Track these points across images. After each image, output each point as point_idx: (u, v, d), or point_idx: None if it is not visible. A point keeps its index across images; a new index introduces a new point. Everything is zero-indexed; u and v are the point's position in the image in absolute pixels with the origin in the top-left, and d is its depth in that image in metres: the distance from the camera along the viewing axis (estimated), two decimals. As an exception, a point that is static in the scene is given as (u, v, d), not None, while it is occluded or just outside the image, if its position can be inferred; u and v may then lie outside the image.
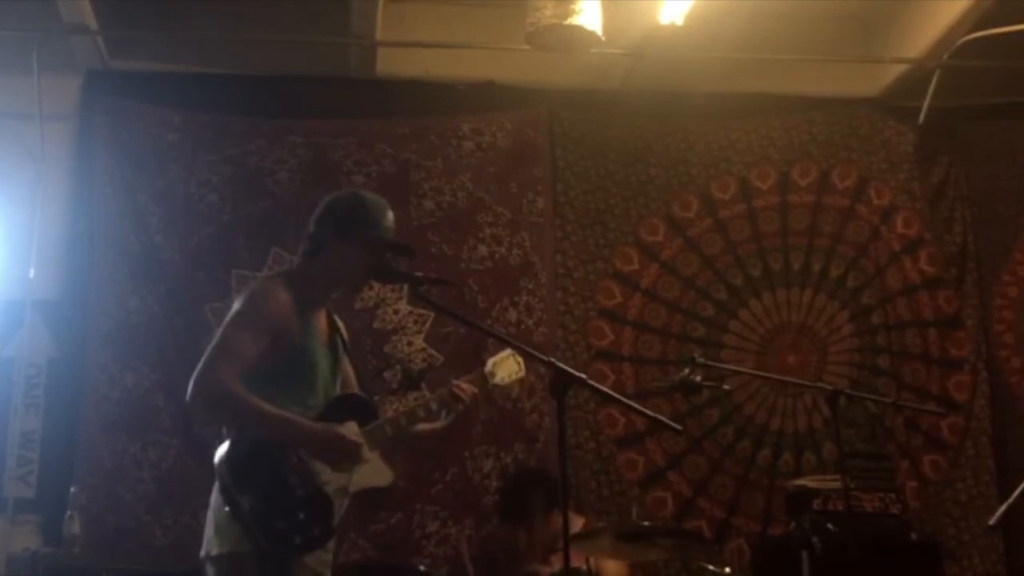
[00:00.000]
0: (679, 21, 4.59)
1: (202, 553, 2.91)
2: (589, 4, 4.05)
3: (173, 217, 5.08)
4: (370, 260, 3.09)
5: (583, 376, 2.62)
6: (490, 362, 3.48)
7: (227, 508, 2.82)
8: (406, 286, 3.89)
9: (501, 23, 5.11)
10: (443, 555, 4.96)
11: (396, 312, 5.20)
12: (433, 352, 5.17)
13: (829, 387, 3.92)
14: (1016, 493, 2.54)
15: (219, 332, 2.93)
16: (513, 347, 3.52)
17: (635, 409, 2.85)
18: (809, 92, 5.66)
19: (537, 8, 4.07)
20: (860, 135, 5.67)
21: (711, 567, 3.96)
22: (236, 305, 2.98)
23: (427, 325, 5.19)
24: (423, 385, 4.78)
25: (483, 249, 5.32)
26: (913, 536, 4.60)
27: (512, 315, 5.25)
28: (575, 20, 4.02)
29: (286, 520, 2.84)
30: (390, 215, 3.14)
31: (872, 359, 5.46)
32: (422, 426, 3.24)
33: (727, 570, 3.98)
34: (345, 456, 2.96)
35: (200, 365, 2.85)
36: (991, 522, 3.00)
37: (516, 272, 5.32)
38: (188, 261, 5.06)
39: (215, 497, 2.90)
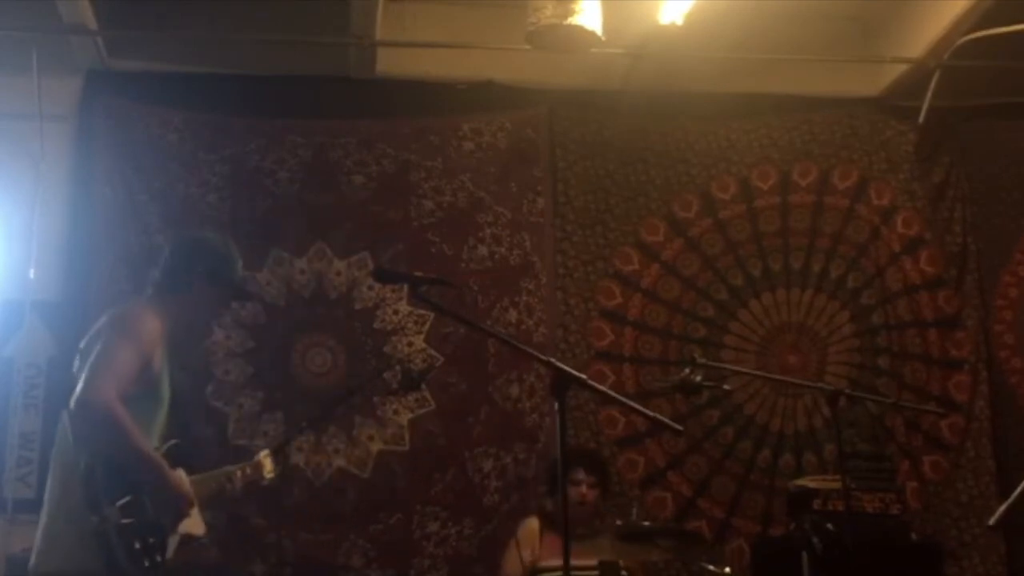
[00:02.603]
0: (679, 21, 4.59)
1: (33, 564, 2.94)
2: (589, 4, 4.04)
3: (173, 217, 5.08)
4: (219, 303, 3.44)
5: (583, 376, 2.61)
6: (261, 454, 3.74)
7: (94, 518, 2.83)
8: (406, 286, 3.90)
9: (501, 23, 5.10)
10: (443, 555, 4.96)
11: (396, 312, 5.20)
12: (433, 352, 5.17)
13: (829, 387, 3.92)
14: (1016, 493, 2.54)
15: (102, 345, 2.98)
16: (513, 347, 3.57)
17: (635, 409, 2.85)
18: (809, 92, 5.66)
19: (537, 8, 4.07)
20: (860, 135, 5.67)
21: (711, 567, 3.95)
22: (115, 323, 3.06)
23: (427, 325, 5.19)
24: (423, 385, 4.79)
25: (483, 249, 5.32)
26: (913, 536, 4.60)
27: (512, 315, 5.25)
28: (575, 20, 4.01)
29: (141, 541, 2.91)
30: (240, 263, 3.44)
31: (872, 359, 5.45)
32: None
33: (727, 570, 3.97)
34: (182, 511, 3.11)
35: (88, 379, 2.89)
36: (991, 522, 3.00)
37: (516, 272, 5.32)
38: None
39: (66, 507, 2.91)
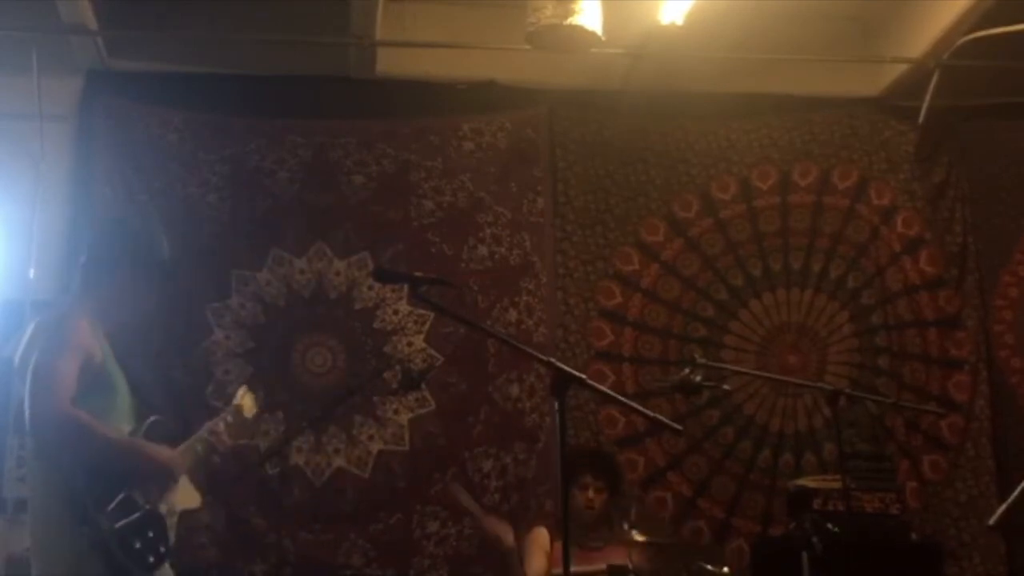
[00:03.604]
0: (679, 21, 4.59)
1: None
2: (589, 4, 4.04)
3: (173, 217, 5.07)
4: (148, 287, 3.28)
5: (583, 376, 2.61)
6: (238, 394, 3.64)
7: (84, 528, 2.83)
8: (406, 286, 3.90)
9: (501, 23, 5.10)
10: (443, 555, 4.96)
11: (396, 312, 5.20)
12: (433, 352, 5.17)
13: (829, 387, 3.92)
14: (1016, 493, 2.53)
15: (36, 360, 2.94)
16: (513, 347, 3.54)
17: (635, 409, 2.85)
18: (809, 92, 5.66)
19: (537, 8, 4.07)
20: (860, 135, 5.66)
21: (711, 567, 3.95)
22: (42, 334, 3.03)
23: (427, 325, 5.19)
24: (423, 385, 4.78)
25: (483, 249, 5.32)
26: (913, 536, 4.60)
27: (512, 315, 5.25)
28: (575, 20, 4.01)
29: (140, 539, 2.90)
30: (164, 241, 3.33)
31: (872, 359, 5.46)
32: None
33: (727, 570, 3.97)
34: (169, 476, 3.08)
35: (33, 399, 2.87)
36: (991, 522, 3.00)
37: (516, 272, 5.32)
38: (188, 261, 5.06)
39: (56, 522, 2.89)
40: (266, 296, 5.14)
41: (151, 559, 2.92)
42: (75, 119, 5.17)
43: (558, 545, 4.26)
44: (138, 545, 2.89)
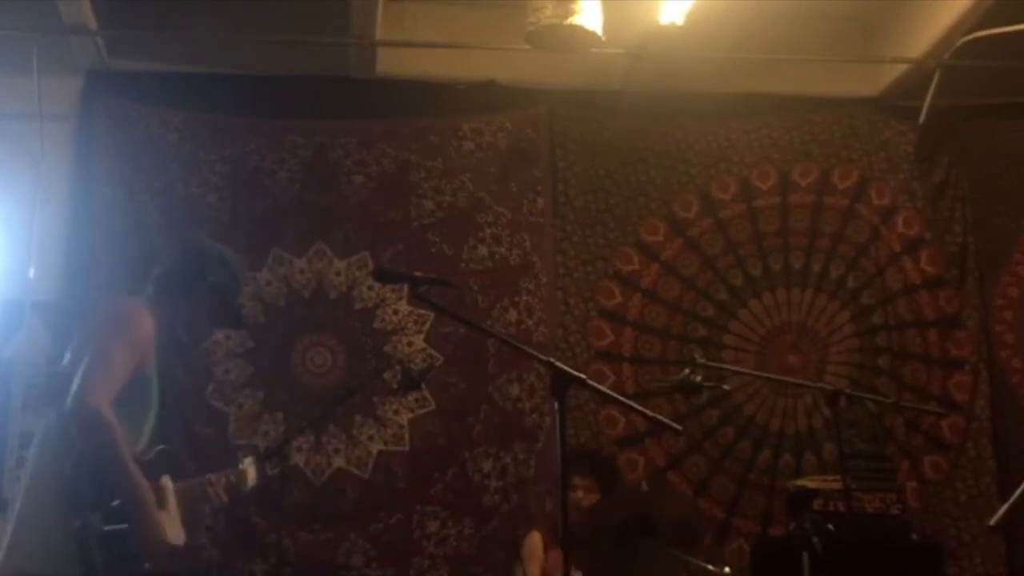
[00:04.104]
0: (679, 21, 4.59)
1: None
2: (589, 4, 4.04)
3: (173, 217, 5.08)
4: (211, 321, 3.34)
5: (583, 376, 2.61)
6: (245, 462, 3.66)
7: (78, 523, 2.81)
8: (406, 286, 3.90)
9: (501, 23, 5.10)
10: (443, 555, 4.96)
11: (396, 312, 5.20)
12: (433, 352, 5.17)
13: (829, 387, 3.92)
14: (1017, 493, 2.53)
15: (97, 344, 2.93)
16: (513, 347, 3.54)
17: (635, 409, 2.85)
18: (809, 92, 5.66)
19: (537, 8, 4.07)
20: (860, 135, 5.66)
21: (711, 567, 3.95)
22: (111, 320, 3.01)
23: (427, 325, 5.19)
24: (423, 385, 4.78)
25: (483, 249, 5.31)
26: (914, 536, 4.60)
27: (512, 315, 5.25)
28: (575, 20, 4.01)
29: (120, 550, 2.87)
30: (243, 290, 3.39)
31: (873, 359, 5.45)
32: None
33: (727, 570, 3.97)
34: (151, 545, 2.98)
35: (84, 379, 2.85)
36: (992, 522, 2.99)
37: (516, 272, 5.32)
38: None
39: (49, 510, 2.87)
40: (266, 296, 5.14)
41: (127, 574, 2.89)
42: (75, 119, 5.17)
43: (553, 552, 4.26)
44: (117, 553, 2.86)
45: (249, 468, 3.63)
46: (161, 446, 3.20)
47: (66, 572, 2.82)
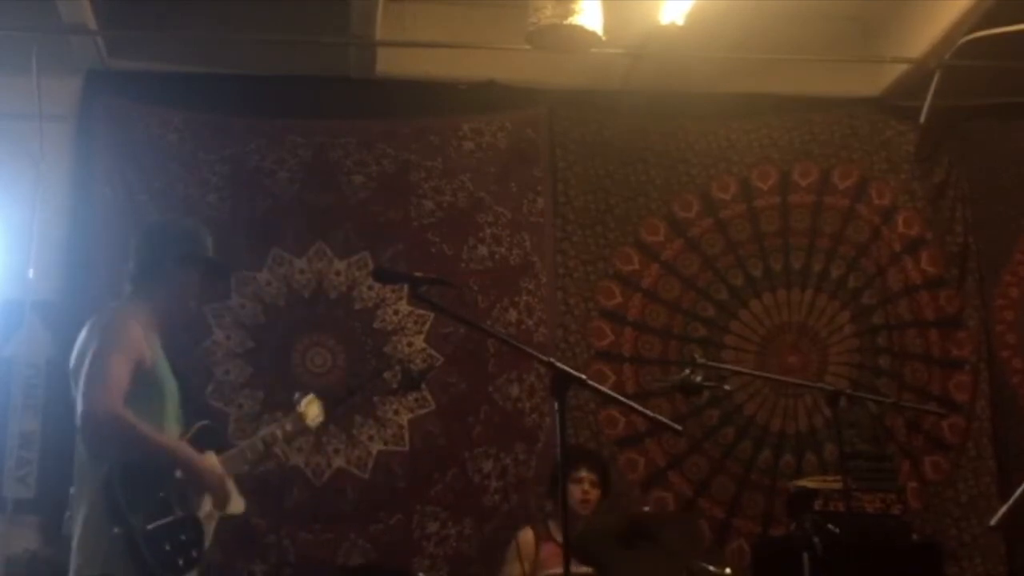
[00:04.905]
0: (679, 21, 4.58)
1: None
2: (589, 4, 4.04)
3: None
4: (199, 286, 3.31)
5: (583, 376, 2.61)
6: (302, 402, 3.59)
7: (116, 529, 2.84)
8: (406, 286, 3.89)
9: (501, 23, 5.10)
10: (443, 555, 4.96)
11: (396, 312, 5.19)
12: (433, 352, 5.17)
13: (830, 387, 3.92)
14: (1017, 493, 2.53)
15: (91, 357, 2.98)
16: (513, 347, 3.53)
17: (635, 409, 2.85)
18: (809, 92, 5.66)
19: (537, 8, 4.07)
20: (860, 135, 5.66)
21: (711, 567, 3.95)
22: (97, 333, 3.05)
23: (427, 325, 5.19)
24: (423, 385, 4.78)
25: (483, 249, 5.31)
26: (914, 537, 4.60)
27: (512, 315, 5.25)
28: (575, 20, 4.01)
29: (171, 542, 2.91)
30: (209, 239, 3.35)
31: (873, 359, 5.45)
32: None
33: (727, 570, 3.97)
34: (216, 488, 3.09)
35: (85, 396, 2.90)
36: (992, 522, 2.99)
37: (516, 272, 5.31)
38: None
39: (94, 519, 2.91)
40: (266, 296, 5.13)
41: (180, 562, 2.92)
42: (75, 119, 5.17)
43: (548, 546, 4.26)
44: (168, 548, 2.89)
45: (309, 406, 3.55)
46: (200, 423, 3.21)
47: (118, 572, 2.84)
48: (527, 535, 4.36)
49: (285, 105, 5.30)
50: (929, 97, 5.14)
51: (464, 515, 5.01)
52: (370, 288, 5.18)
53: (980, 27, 4.75)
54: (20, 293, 4.91)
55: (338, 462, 5.02)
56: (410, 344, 5.16)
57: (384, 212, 5.28)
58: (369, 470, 5.03)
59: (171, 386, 3.18)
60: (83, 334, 3.11)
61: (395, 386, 4.74)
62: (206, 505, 3.09)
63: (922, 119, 5.26)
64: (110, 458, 2.90)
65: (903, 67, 5.41)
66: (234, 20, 5.13)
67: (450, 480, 5.04)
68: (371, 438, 5.06)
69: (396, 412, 5.10)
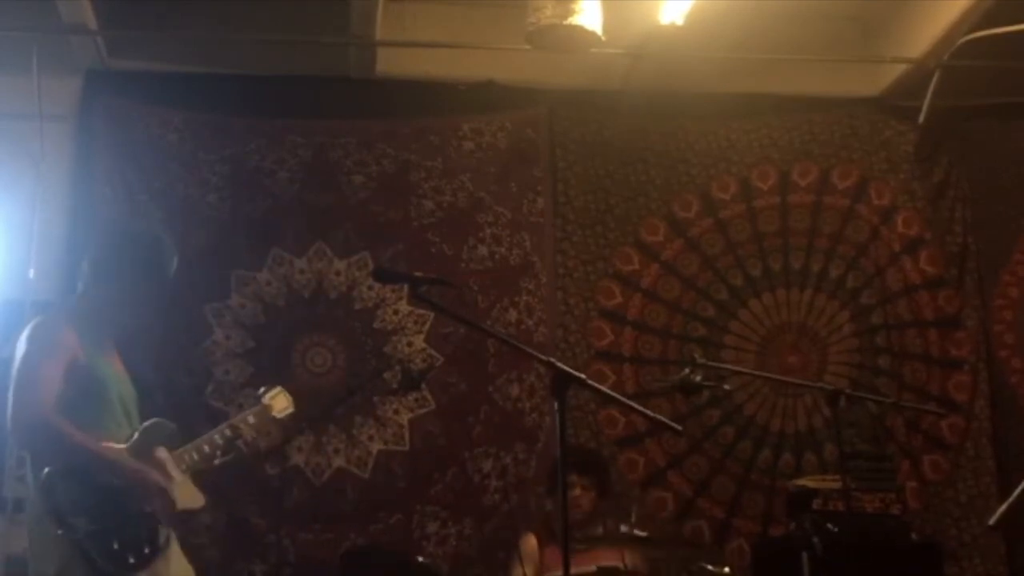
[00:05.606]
0: (679, 21, 4.59)
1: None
2: (589, 4, 4.04)
3: (173, 217, 5.08)
4: (149, 301, 3.28)
5: (583, 376, 2.61)
6: (267, 396, 3.49)
7: (59, 531, 2.83)
8: (406, 286, 3.89)
9: (501, 23, 5.10)
10: (443, 555, 4.96)
11: (396, 312, 5.20)
12: (433, 352, 5.17)
13: (830, 387, 3.91)
14: (1016, 493, 2.53)
15: (16, 369, 2.96)
16: (513, 347, 3.52)
17: (635, 409, 2.85)
18: (809, 92, 5.66)
19: (537, 8, 4.07)
20: (860, 135, 5.67)
21: (711, 567, 3.95)
22: (26, 338, 3.03)
23: (427, 325, 5.19)
24: (423, 385, 4.78)
25: (483, 249, 5.31)
26: (913, 536, 4.60)
27: (512, 315, 5.25)
28: (575, 20, 4.01)
29: (120, 540, 2.90)
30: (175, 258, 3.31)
31: (872, 359, 5.45)
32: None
33: (727, 570, 3.97)
34: (152, 489, 3.01)
35: (13, 403, 2.89)
36: (991, 522, 2.99)
37: (516, 272, 5.32)
38: (188, 261, 5.05)
39: (35, 523, 2.92)
40: (266, 296, 5.14)
41: (131, 560, 2.91)
42: (75, 119, 5.17)
43: (549, 549, 4.26)
44: (116, 546, 2.88)
45: (275, 399, 3.47)
46: (150, 420, 3.17)
47: (68, 572, 2.85)
48: (530, 541, 4.35)
49: (285, 105, 5.31)
50: (929, 97, 5.14)
51: (464, 515, 5.02)
52: (370, 288, 5.18)
53: (980, 27, 4.75)
54: (20, 293, 4.91)
55: (338, 462, 5.02)
56: (410, 344, 5.17)
57: (384, 212, 5.29)
58: (369, 470, 5.03)
59: (118, 388, 3.15)
60: (23, 336, 3.08)
61: (395, 386, 4.74)
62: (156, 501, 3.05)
63: (922, 119, 5.27)
64: (44, 461, 2.90)
65: (903, 67, 5.41)
66: (234, 20, 5.13)
67: (450, 480, 5.05)
68: (371, 438, 5.06)
69: (396, 412, 5.10)
